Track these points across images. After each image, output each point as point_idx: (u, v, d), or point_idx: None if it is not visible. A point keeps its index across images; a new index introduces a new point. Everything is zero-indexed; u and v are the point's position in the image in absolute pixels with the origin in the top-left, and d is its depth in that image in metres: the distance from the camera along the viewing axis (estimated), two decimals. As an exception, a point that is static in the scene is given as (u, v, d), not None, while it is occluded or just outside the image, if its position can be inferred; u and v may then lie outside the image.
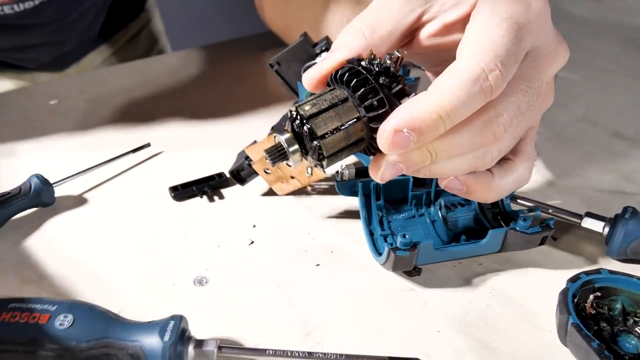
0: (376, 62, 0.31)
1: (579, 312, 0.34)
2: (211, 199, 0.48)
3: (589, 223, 0.42)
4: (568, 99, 0.66)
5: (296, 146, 0.30)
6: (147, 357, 0.30)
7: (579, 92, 0.68)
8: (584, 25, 0.88)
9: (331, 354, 0.32)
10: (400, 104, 0.29)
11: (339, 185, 0.43)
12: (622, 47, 0.81)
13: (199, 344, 0.31)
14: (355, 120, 0.30)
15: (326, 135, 0.30)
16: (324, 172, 0.33)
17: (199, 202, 0.48)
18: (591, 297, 0.35)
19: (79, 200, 0.48)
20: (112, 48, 0.85)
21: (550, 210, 0.43)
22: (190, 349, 0.31)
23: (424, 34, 0.35)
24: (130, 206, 0.47)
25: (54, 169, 0.49)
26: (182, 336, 0.31)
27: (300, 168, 0.41)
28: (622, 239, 0.39)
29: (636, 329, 0.34)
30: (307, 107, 0.30)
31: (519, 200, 0.45)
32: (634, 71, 0.73)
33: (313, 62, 0.49)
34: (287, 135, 0.30)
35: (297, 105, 0.30)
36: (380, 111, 0.30)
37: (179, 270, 0.40)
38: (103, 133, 0.58)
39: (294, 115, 0.30)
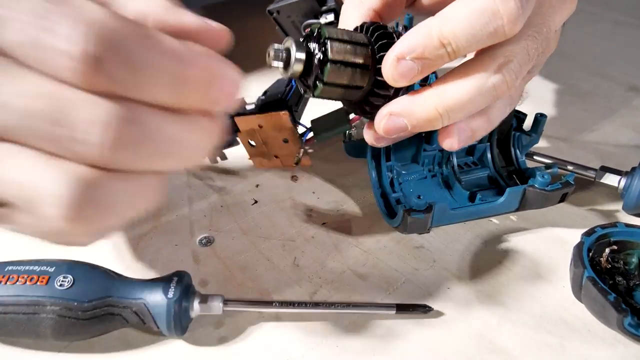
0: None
1: (594, 266, 0.33)
2: (214, 160, 0.47)
3: (604, 177, 0.40)
4: (582, 52, 0.64)
5: (303, 55, 0.28)
6: (152, 314, 0.29)
7: (593, 45, 0.65)
8: (598, -23, 0.84)
9: (338, 303, 0.32)
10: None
11: (347, 147, 0.42)
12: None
13: (204, 299, 0.31)
14: (363, 60, 0.29)
15: (336, 62, 0.28)
16: (312, 95, 0.31)
17: (201, 163, 0.47)
18: (607, 250, 0.33)
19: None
20: None
21: (566, 166, 0.42)
22: (196, 304, 0.31)
23: None
24: (131, 168, 0.46)
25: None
26: (186, 291, 0.30)
27: (285, 150, 0.40)
28: (638, 192, 0.38)
29: (653, 282, 0.33)
30: (331, 31, 0.29)
31: (535, 157, 0.43)
32: (651, 23, 0.71)
33: (315, 20, 0.47)
34: (298, 44, 0.28)
35: (322, 25, 0.29)
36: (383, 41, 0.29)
37: (184, 231, 0.39)
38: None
39: (315, 33, 0.29)
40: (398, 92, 0.30)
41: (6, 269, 0.30)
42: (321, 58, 0.28)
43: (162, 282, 0.30)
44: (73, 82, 0.18)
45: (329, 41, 0.28)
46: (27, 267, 0.30)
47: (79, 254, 0.37)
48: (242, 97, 0.46)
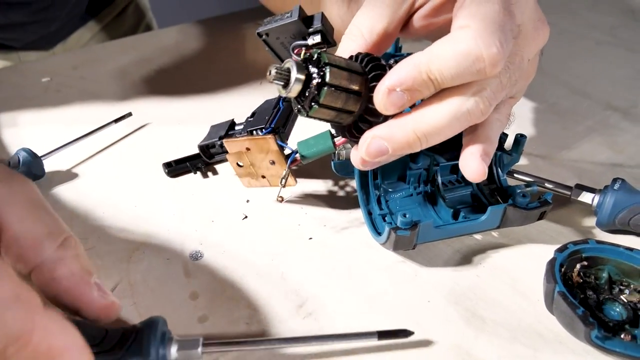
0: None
1: (566, 281, 0.35)
2: (205, 175, 0.48)
3: (579, 195, 0.42)
4: (563, 71, 0.66)
5: (303, 77, 0.31)
6: None
7: (574, 65, 0.68)
8: (581, -3, 0.87)
9: (318, 336, 0.32)
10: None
11: (336, 165, 0.43)
12: (618, 18, 0.80)
13: (183, 345, 0.30)
14: (358, 87, 0.31)
15: (333, 86, 0.30)
16: (306, 115, 0.32)
17: (193, 178, 0.48)
18: (578, 266, 0.35)
19: (69, 175, 0.48)
20: (100, 25, 0.84)
21: (544, 184, 0.44)
22: (173, 351, 0.30)
23: (417, 18, 0.35)
24: (124, 182, 0.48)
25: (46, 145, 0.49)
26: (162, 338, 0.30)
27: (272, 171, 0.42)
28: (610, 210, 0.40)
29: (621, 296, 0.35)
30: (330, 57, 0.31)
31: (515, 175, 0.45)
32: (630, 43, 0.73)
33: (303, 42, 0.48)
34: (299, 66, 0.31)
35: (323, 51, 0.31)
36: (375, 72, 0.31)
37: (174, 245, 0.41)
38: (96, 109, 0.58)
39: (315, 57, 0.31)
40: (385, 120, 0.32)
41: None
42: (319, 81, 0.31)
43: (139, 328, 0.30)
44: None
45: (328, 67, 0.30)
46: None
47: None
48: (232, 119, 0.48)
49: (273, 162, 0.41)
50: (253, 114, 0.45)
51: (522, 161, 0.48)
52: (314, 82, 0.31)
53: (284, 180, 0.41)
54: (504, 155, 0.44)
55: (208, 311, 0.36)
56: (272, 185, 0.43)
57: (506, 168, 0.44)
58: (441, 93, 0.31)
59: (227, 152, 0.42)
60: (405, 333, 0.33)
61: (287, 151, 0.40)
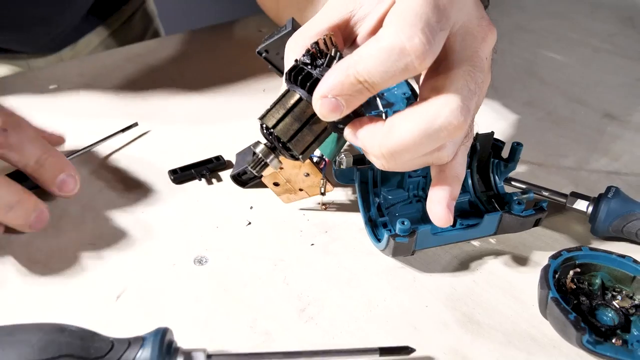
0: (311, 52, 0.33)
1: (560, 287, 0.36)
2: (209, 182, 0.50)
3: (574, 203, 0.43)
4: (561, 78, 0.67)
5: (272, 155, 0.35)
6: None
7: (572, 72, 0.69)
8: (580, 4, 0.88)
9: (322, 351, 0.33)
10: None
11: (337, 173, 0.44)
12: (617, 26, 0.81)
13: (188, 357, 0.31)
14: (312, 115, 0.33)
15: (292, 138, 0.33)
16: (301, 160, 0.35)
17: (198, 185, 0.49)
18: (571, 272, 0.36)
19: (82, 182, 0.49)
20: (108, 30, 0.85)
21: (540, 192, 0.45)
22: None
23: (363, 31, 0.36)
24: (130, 188, 0.49)
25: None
26: (168, 349, 0.31)
27: (308, 182, 0.43)
28: (604, 217, 0.41)
29: (614, 302, 0.36)
30: (268, 117, 0.34)
31: (512, 183, 0.46)
32: (628, 51, 0.74)
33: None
34: (262, 147, 0.35)
35: (261, 117, 0.34)
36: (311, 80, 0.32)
37: (180, 251, 0.42)
38: (103, 117, 0.59)
39: (262, 127, 0.34)
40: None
41: None
42: (281, 145, 0.34)
43: (145, 339, 0.31)
44: None
45: (274, 129, 0.33)
46: None
47: (82, 273, 0.40)
48: (258, 141, 0.49)
49: (307, 174, 0.42)
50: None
51: (519, 168, 0.49)
52: (280, 149, 0.34)
53: (322, 189, 0.43)
54: (501, 163, 0.45)
55: (212, 315, 0.37)
56: (311, 196, 0.45)
57: (503, 175, 0.45)
58: (411, 109, 0.31)
59: (261, 176, 0.43)
60: (407, 350, 0.34)
61: (315, 159, 0.42)
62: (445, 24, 0.31)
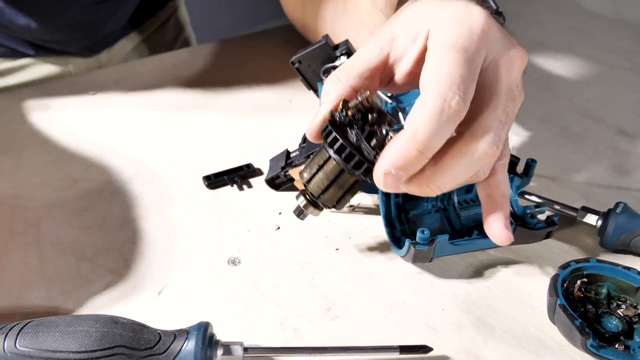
0: (349, 109, 0.36)
1: (568, 295, 0.39)
2: (240, 188, 0.53)
3: (584, 217, 0.46)
4: (576, 94, 0.69)
5: (311, 208, 0.40)
6: None
7: (588, 88, 0.71)
8: (598, 20, 0.90)
9: (348, 347, 0.37)
10: (370, 145, 0.35)
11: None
12: (634, 43, 0.83)
13: (227, 348, 0.35)
14: (340, 172, 0.37)
15: (324, 194, 0.38)
16: (338, 208, 0.40)
17: (230, 191, 0.53)
18: (578, 282, 0.39)
19: (123, 185, 0.53)
20: (141, 36, 0.89)
21: (552, 205, 0.48)
22: (219, 353, 0.35)
23: (400, 72, 0.39)
24: (168, 193, 0.52)
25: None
26: (210, 341, 0.35)
27: None
28: (612, 231, 0.44)
29: (618, 311, 0.38)
30: (303, 172, 0.38)
31: (526, 196, 0.49)
32: (643, 68, 0.76)
33: (332, 64, 0.53)
34: (302, 199, 0.40)
35: (300, 172, 0.39)
36: (354, 161, 0.35)
37: (215, 252, 0.46)
38: (139, 123, 0.63)
39: (306, 193, 0.40)
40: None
41: None
42: (318, 201, 0.39)
43: (189, 332, 0.34)
44: None
45: (307, 187, 0.38)
46: None
47: (128, 271, 0.43)
48: (286, 149, 0.53)
49: None
50: (304, 139, 0.49)
51: (533, 181, 0.52)
52: (317, 201, 0.39)
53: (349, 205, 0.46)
54: (516, 178, 0.48)
55: (246, 311, 0.40)
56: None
57: (517, 190, 0.48)
58: (451, 147, 0.34)
59: (292, 180, 0.47)
60: (425, 349, 0.36)
61: None
62: (475, 72, 0.34)
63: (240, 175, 0.54)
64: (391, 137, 0.35)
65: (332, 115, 0.37)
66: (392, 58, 0.39)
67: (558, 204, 0.48)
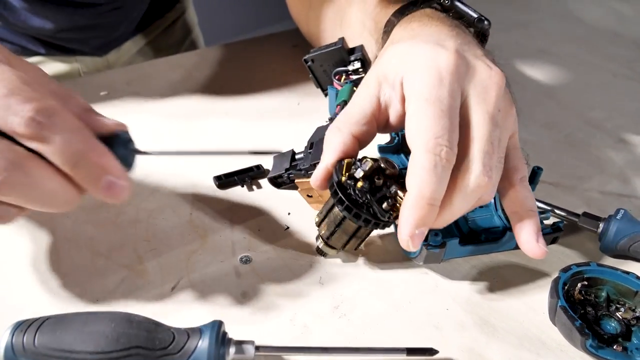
0: (357, 181, 0.39)
1: (569, 297, 0.40)
2: (250, 188, 0.55)
3: (585, 222, 0.47)
4: (579, 102, 0.71)
5: (331, 251, 0.44)
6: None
7: (590, 96, 0.72)
8: (602, 30, 0.92)
9: (356, 348, 0.38)
10: (382, 207, 0.39)
11: None
12: (637, 53, 0.85)
13: (239, 347, 0.36)
14: (357, 228, 0.41)
15: (345, 246, 0.43)
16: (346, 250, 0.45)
17: (241, 191, 0.54)
18: (579, 285, 0.40)
19: (135, 185, 0.54)
20: (149, 37, 0.90)
21: (555, 211, 0.49)
22: (232, 352, 0.36)
23: (393, 115, 0.41)
24: (180, 192, 0.54)
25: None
26: (223, 339, 0.36)
27: None
28: (612, 237, 0.45)
29: (617, 313, 0.40)
30: (324, 231, 0.43)
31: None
32: (645, 77, 0.78)
33: (344, 68, 0.55)
34: (321, 241, 0.44)
35: (318, 226, 0.44)
36: (371, 223, 0.40)
37: (226, 250, 0.47)
38: (149, 125, 0.65)
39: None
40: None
41: None
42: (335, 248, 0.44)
43: (203, 331, 0.35)
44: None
45: (329, 242, 0.43)
46: None
47: (141, 266, 0.45)
48: (292, 149, 0.54)
49: None
50: (311, 145, 0.51)
51: (537, 188, 0.53)
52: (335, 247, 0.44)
53: None
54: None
55: (257, 308, 0.42)
56: None
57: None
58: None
59: (296, 186, 0.48)
60: (431, 352, 0.37)
61: None
62: (455, 116, 0.36)
63: (250, 176, 0.55)
64: (400, 197, 0.38)
65: (339, 178, 0.40)
66: (384, 103, 0.41)
67: (560, 209, 0.49)
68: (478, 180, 0.36)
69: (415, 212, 0.36)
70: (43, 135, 0.29)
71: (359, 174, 0.39)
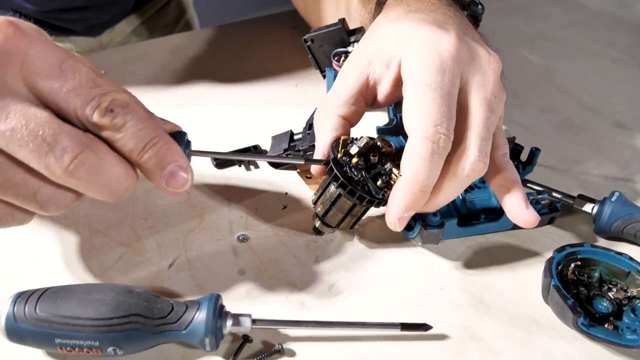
0: (352, 157, 0.39)
1: (562, 277, 0.41)
2: (248, 168, 0.55)
3: (580, 204, 0.48)
4: (578, 87, 0.71)
5: (327, 229, 0.44)
6: (193, 330, 0.35)
7: (589, 81, 0.72)
8: (602, 15, 0.91)
9: (351, 322, 0.38)
10: (377, 185, 0.39)
11: None
12: (636, 38, 0.84)
13: (236, 320, 0.37)
14: (352, 206, 0.41)
15: (340, 224, 0.43)
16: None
17: (238, 171, 0.54)
18: (572, 265, 0.41)
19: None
20: (143, 17, 0.89)
21: (552, 193, 0.49)
22: (229, 324, 0.36)
23: (381, 93, 0.42)
24: (178, 171, 0.54)
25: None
26: (220, 312, 0.36)
27: None
28: (607, 219, 0.45)
29: (609, 293, 0.40)
30: (319, 209, 0.43)
31: (528, 185, 0.51)
32: (644, 63, 0.77)
33: (344, 49, 0.54)
34: (318, 220, 0.44)
35: (314, 204, 0.43)
36: (366, 200, 0.40)
37: (223, 228, 0.47)
38: (147, 103, 0.64)
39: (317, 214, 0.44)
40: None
41: (56, 341, 0.34)
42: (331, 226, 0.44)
43: (201, 303, 0.36)
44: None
45: (324, 220, 0.43)
46: (73, 341, 0.34)
47: (138, 244, 0.45)
48: (290, 130, 0.54)
49: None
50: (309, 126, 0.51)
51: (534, 170, 0.54)
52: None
53: None
54: (520, 166, 0.50)
55: (254, 285, 0.42)
56: None
57: (521, 177, 0.50)
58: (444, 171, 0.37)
59: (295, 167, 0.49)
60: (425, 327, 0.38)
61: None
62: (453, 103, 0.36)
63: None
64: (395, 174, 0.38)
65: (335, 155, 0.40)
66: (372, 80, 0.41)
67: (556, 191, 0.49)
68: (474, 166, 0.37)
69: (406, 196, 0.36)
70: (117, 124, 0.31)
71: (354, 150, 0.39)
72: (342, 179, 0.39)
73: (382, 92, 0.41)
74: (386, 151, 0.39)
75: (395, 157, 0.40)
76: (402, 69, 0.38)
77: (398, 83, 0.40)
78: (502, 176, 0.40)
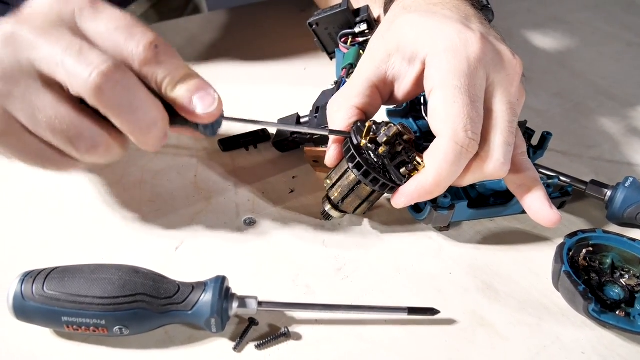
0: (380, 146, 0.38)
1: (573, 263, 0.40)
2: (255, 151, 0.54)
3: (592, 190, 0.47)
4: (592, 71, 0.69)
5: (337, 214, 0.43)
6: (199, 312, 0.35)
7: (603, 65, 0.71)
8: (617, -2, 0.89)
9: (359, 306, 0.38)
10: (400, 172, 0.38)
11: None
12: (653, 21, 0.82)
13: (242, 301, 0.37)
14: (371, 192, 0.40)
15: (356, 209, 0.42)
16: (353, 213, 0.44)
17: (245, 154, 0.54)
18: (584, 251, 0.40)
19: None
20: (152, 0, 0.89)
21: (560, 177, 0.48)
22: (235, 306, 0.36)
23: (399, 90, 0.41)
24: (184, 155, 0.54)
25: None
26: (226, 294, 0.36)
27: None
28: (620, 204, 0.44)
29: (621, 280, 0.39)
30: (336, 195, 0.42)
31: (539, 170, 0.50)
32: (660, 47, 0.76)
33: (350, 30, 0.53)
34: (328, 204, 0.43)
35: (327, 191, 0.42)
36: (388, 188, 0.39)
37: (230, 212, 0.47)
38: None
39: (330, 198, 0.43)
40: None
41: (63, 320, 0.34)
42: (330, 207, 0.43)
43: (207, 284, 0.36)
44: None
45: (340, 205, 0.42)
46: (80, 320, 0.34)
47: (146, 225, 0.45)
48: (297, 113, 0.54)
49: None
50: (316, 109, 0.50)
51: (545, 156, 0.53)
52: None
53: None
54: (531, 150, 0.49)
55: (260, 268, 0.42)
56: None
57: (532, 161, 0.49)
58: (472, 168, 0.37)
59: (299, 145, 0.48)
60: (432, 311, 0.38)
61: None
62: (481, 106, 0.36)
63: (255, 140, 0.55)
64: (418, 162, 0.38)
65: (358, 141, 0.39)
66: (391, 76, 0.40)
67: (568, 177, 0.48)
68: (497, 170, 0.37)
69: (424, 190, 0.37)
70: (159, 59, 0.33)
71: (382, 138, 0.38)
72: (365, 166, 0.38)
73: (402, 89, 0.41)
74: (407, 138, 0.39)
75: (415, 144, 0.39)
76: (428, 68, 0.37)
77: (419, 81, 0.39)
78: (523, 175, 0.39)
